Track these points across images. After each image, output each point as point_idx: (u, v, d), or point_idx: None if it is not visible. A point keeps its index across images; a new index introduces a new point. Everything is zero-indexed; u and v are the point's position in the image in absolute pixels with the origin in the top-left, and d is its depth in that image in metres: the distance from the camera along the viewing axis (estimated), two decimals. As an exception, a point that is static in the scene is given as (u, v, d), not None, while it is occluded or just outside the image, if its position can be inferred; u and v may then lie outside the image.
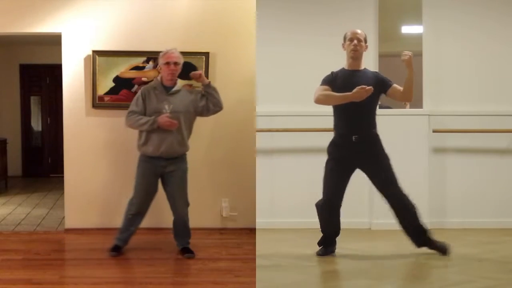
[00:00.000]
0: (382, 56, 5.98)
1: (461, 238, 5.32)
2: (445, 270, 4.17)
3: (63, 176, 5.62)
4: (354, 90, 4.34)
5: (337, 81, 4.57)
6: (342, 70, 4.66)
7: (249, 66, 5.48)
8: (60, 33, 5.39)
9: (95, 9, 5.40)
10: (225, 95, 5.53)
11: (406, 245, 4.86)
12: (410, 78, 4.47)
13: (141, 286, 4.03)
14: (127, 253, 4.80)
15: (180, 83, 4.72)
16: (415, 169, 5.86)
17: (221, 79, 5.50)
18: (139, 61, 5.44)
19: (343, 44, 4.67)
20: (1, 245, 5.06)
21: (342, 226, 5.14)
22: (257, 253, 4.63)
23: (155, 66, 5.43)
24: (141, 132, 4.64)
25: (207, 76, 5.44)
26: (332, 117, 5.96)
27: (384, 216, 5.93)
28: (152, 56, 5.42)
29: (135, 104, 4.64)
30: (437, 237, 5.46)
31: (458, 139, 5.92)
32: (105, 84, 5.42)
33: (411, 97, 4.58)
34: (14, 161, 9.52)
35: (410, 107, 6.03)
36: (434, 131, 5.89)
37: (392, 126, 5.91)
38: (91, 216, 5.50)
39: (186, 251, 4.73)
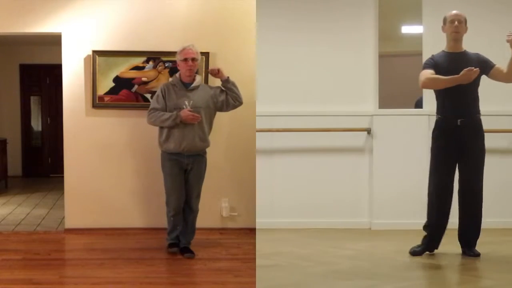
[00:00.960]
0: (382, 56, 5.98)
1: (461, 238, 5.32)
2: (445, 270, 4.17)
3: (63, 176, 5.62)
4: (462, 72, 4.29)
5: (439, 65, 4.53)
6: (443, 53, 4.62)
7: (249, 66, 5.47)
8: (60, 33, 5.39)
9: (95, 9, 5.40)
10: (225, 95, 5.54)
11: (406, 245, 4.86)
12: None
13: (141, 286, 4.03)
14: (127, 253, 4.80)
15: (199, 78, 4.72)
16: (415, 169, 5.86)
17: (221, 79, 5.51)
18: (139, 61, 5.43)
19: (442, 27, 4.63)
20: (1, 245, 5.06)
21: (342, 226, 5.19)
22: (257, 253, 4.63)
23: (155, 66, 5.44)
24: (162, 128, 4.65)
25: (207, 76, 5.45)
26: (332, 117, 6.01)
27: (384, 216, 5.95)
28: (152, 56, 5.42)
29: (156, 101, 4.65)
30: (437, 237, 5.48)
31: (458, 139, 5.92)
32: (105, 84, 5.41)
33: None
34: (14, 161, 9.52)
35: (410, 107, 6.01)
36: (434, 131, 5.88)
37: (392, 126, 5.92)
38: (91, 216, 5.50)
39: (186, 251, 4.73)
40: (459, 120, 4.52)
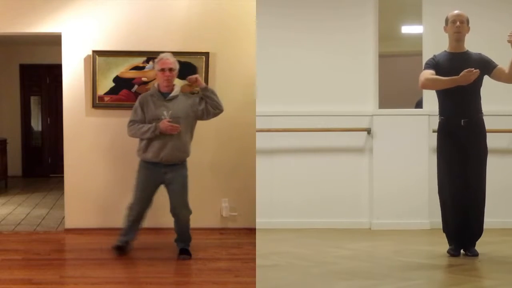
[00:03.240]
0: (382, 56, 5.98)
1: (461, 238, 5.32)
2: (445, 270, 4.17)
3: (63, 176, 5.62)
4: (462, 74, 4.29)
5: (441, 65, 4.53)
6: (445, 53, 4.61)
7: (249, 66, 5.47)
8: (60, 33, 5.39)
9: (95, 9, 5.39)
10: (225, 95, 5.53)
11: (406, 245, 4.87)
12: None
13: (141, 286, 4.03)
14: (128, 253, 4.80)
15: (177, 88, 4.66)
16: (415, 169, 5.87)
17: (221, 79, 5.50)
18: (139, 61, 5.43)
19: (444, 27, 4.63)
20: (1, 245, 5.06)
21: (342, 226, 5.18)
22: (257, 253, 4.63)
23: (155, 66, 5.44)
24: (141, 138, 4.63)
25: (207, 76, 5.45)
26: (332, 117, 6.01)
27: (384, 216, 5.95)
28: (152, 56, 5.41)
29: (135, 113, 4.62)
30: (437, 237, 5.47)
31: (458, 139, 5.92)
32: (105, 84, 5.41)
33: None
34: (14, 161, 9.52)
35: (410, 107, 6.02)
36: (434, 131, 5.88)
37: (392, 126, 5.92)
38: (91, 216, 5.50)
39: (183, 252, 4.70)
40: (462, 121, 4.51)
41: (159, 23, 5.44)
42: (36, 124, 10.09)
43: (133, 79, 5.45)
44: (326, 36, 6.04)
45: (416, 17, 6.02)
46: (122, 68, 5.42)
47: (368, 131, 5.95)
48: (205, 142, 5.56)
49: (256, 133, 5.56)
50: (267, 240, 5.21)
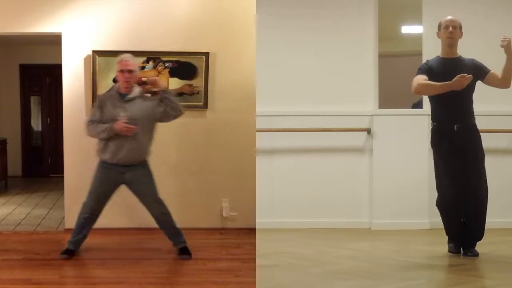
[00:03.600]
0: (382, 56, 5.98)
1: (461, 238, 5.32)
2: (445, 270, 4.17)
3: (63, 176, 5.62)
4: (454, 79, 4.30)
5: (433, 70, 4.52)
6: (437, 58, 4.61)
7: (249, 66, 5.47)
8: (60, 33, 5.39)
9: (95, 9, 5.40)
10: (225, 95, 5.55)
11: (406, 245, 4.87)
12: (509, 65, 4.45)
13: (141, 286, 4.03)
14: (127, 253, 4.80)
15: (137, 89, 4.60)
16: (415, 169, 5.87)
17: (221, 79, 5.51)
18: (139, 61, 5.43)
19: (437, 33, 4.63)
20: (1, 245, 5.06)
21: (342, 226, 5.18)
22: (257, 253, 4.63)
23: (155, 66, 5.44)
24: (99, 139, 4.60)
25: (207, 76, 5.45)
26: (332, 117, 6.01)
27: (384, 216, 5.95)
28: (152, 56, 5.42)
29: (93, 113, 4.61)
30: (437, 237, 5.47)
31: (458, 139, 5.92)
32: (105, 84, 5.40)
33: (510, 83, 4.56)
34: (14, 161, 9.52)
35: (410, 107, 6.02)
36: (434, 131, 5.89)
37: (392, 126, 5.92)
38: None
39: (183, 252, 4.69)
40: (455, 126, 4.52)
41: (159, 23, 5.44)
42: (36, 124, 10.09)
43: (133, 79, 5.44)
44: (326, 36, 6.03)
45: (416, 17, 6.02)
46: (122, 68, 5.42)
47: (368, 131, 5.95)
48: (205, 142, 5.57)
49: (256, 133, 5.56)
50: (267, 240, 5.21)
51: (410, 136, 5.89)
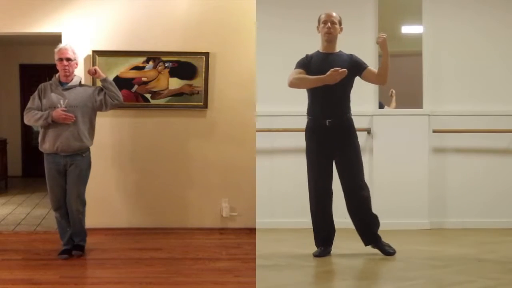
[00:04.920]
0: (382, 56, 5.96)
1: (460, 238, 5.32)
2: (445, 270, 4.17)
3: (63, 176, 5.61)
4: (328, 73, 4.32)
5: (311, 64, 4.53)
6: (317, 53, 4.62)
7: (249, 66, 5.48)
8: (60, 33, 5.39)
9: (95, 9, 5.40)
10: (225, 95, 5.55)
11: (406, 245, 4.87)
12: (385, 61, 4.45)
13: (141, 286, 4.03)
14: (127, 253, 4.80)
15: (77, 78, 4.66)
16: (415, 169, 5.87)
17: (221, 79, 5.51)
18: (139, 61, 5.44)
19: (317, 27, 4.63)
20: (1, 245, 5.06)
21: (342, 226, 5.14)
22: (257, 253, 4.63)
23: (155, 66, 5.44)
24: (40, 129, 4.63)
25: (207, 76, 5.45)
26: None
27: (384, 216, 5.94)
28: (152, 56, 5.42)
29: (32, 100, 4.65)
30: (437, 237, 5.49)
31: (458, 139, 5.92)
32: (105, 84, 5.41)
33: (386, 80, 4.56)
34: (14, 161, 9.52)
35: (410, 107, 6.01)
36: (434, 131, 5.89)
37: (392, 126, 5.92)
38: (91, 216, 5.47)
39: (76, 248, 4.67)
40: (327, 121, 4.52)
41: (159, 23, 5.44)
42: (36, 124, 10.08)
43: (133, 79, 5.45)
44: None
45: (416, 17, 6.02)
46: (122, 68, 5.43)
47: (368, 131, 5.95)
48: (205, 142, 5.57)
49: (256, 133, 5.56)
50: (267, 240, 5.21)
51: (410, 136, 5.89)
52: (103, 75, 4.70)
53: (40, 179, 9.28)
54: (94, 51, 5.37)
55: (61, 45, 4.67)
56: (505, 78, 5.94)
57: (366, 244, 4.65)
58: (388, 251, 4.58)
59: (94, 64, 5.35)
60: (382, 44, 4.41)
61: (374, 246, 4.63)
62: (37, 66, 9.56)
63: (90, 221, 5.48)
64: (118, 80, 5.41)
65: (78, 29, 5.40)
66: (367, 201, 4.62)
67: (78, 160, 4.62)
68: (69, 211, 4.69)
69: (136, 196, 5.55)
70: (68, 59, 4.58)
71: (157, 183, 5.56)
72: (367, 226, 4.64)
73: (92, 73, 4.73)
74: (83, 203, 4.71)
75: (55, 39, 5.47)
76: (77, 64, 4.71)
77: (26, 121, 4.70)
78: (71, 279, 4.24)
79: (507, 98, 5.93)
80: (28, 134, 10.03)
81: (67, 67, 4.59)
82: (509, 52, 5.97)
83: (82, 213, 4.73)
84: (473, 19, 5.99)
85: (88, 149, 4.68)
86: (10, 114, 9.78)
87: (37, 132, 9.82)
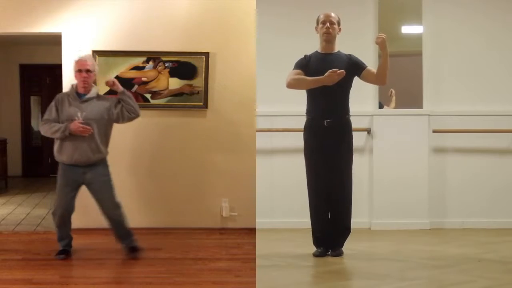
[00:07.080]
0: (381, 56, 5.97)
1: (460, 238, 5.33)
2: (445, 270, 4.17)
3: (63, 176, 5.61)
4: (326, 74, 4.31)
5: (310, 65, 4.52)
6: (316, 53, 4.61)
7: (249, 66, 5.48)
8: (60, 33, 5.39)
9: (95, 9, 5.40)
10: (225, 95, 5.55)
11: (406, 245, 4.87)
12: (384, 61, 4.43)
13: (141, 286, 4.03)
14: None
15: (95, 90, 4.58)
16: (415, 169, 5.87)
17: (221, 79, 5.51)
18: (139, 61, 5.44)
19: (316, 27, 4.62)
20: (1, 245, 5.06)
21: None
22: (257, 253, 4.63)
23: (155, 66, 5.44)
24: (56, 140, 4.55)
25: (207, 76, 5.45)
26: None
27: (384, 216, 5.96)
28: (152, 56, 5.42)
29: (49, 112, 4.56)
30: (436, 237, 5.48)
31: (458, 139, 5.92)
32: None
33: (385, 80, 4.54)
34: (14, 161, 9.52)
35: (410, 107, 6.02)
36: (434, 131, 5.89)
37: (392, 126, 5.92)
38: (91, 216, 5.47)
39: (132, 250, 4.65)
40: (325, 121, 4.51)
41: (159, 23, 5.44)
42: (36, 124, 10.07)
43: (133, 79, 5.45)
44: (326, 36, 6.02)
45: (416, 17, 6.02)
46: (122, 68, 5.43)
47: (368, 131, 5.95)
48: (205, 142, 5.57)
49: (256, 133, 5.56)
50: (267, 240, 5.21)
51: (410, 136, 5.89)
52: (121, 88, 4.62)
53: (40, 179, 9.39)
54: (94, 51, 5.37)
55: (81, 56, 4.57)
56: (505, 78, 5.94)
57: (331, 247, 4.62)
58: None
59: (94, 64, 5.35)
60: (381, 44, 4.40)
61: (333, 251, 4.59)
62: (37, 66, 9.57)
63: (90, 221, 5.49)
64: (118, 80, 5.38)
65: (78, 29, 5.40)
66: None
67: (98, 169, 4.59)
68: (107, 219, 4.66)
69: (136, 196, 5.55)
70: (88, 71, 4.49)
71: (157, 183, 5.56)
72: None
73: (111, 85, 4.61)
74: (118, 206, 4.65)
75: (55, 39, 5.48)
76: (95, 75, 4.62)
77: (43, 133, 4.61)
78: (71, 279, 4.25)
79: (507, 98, 5.93)
80: (28, 134, 10.04)
81: (86, 79, 4.50)
82: (509, 52, 5.97)
83: (121, 215, 4.66)
84: (473, 19, 5.99)
85: (105, 159, 4.65)
86: (10, 114, 9.79)
87: (37, 132, 10.01)
